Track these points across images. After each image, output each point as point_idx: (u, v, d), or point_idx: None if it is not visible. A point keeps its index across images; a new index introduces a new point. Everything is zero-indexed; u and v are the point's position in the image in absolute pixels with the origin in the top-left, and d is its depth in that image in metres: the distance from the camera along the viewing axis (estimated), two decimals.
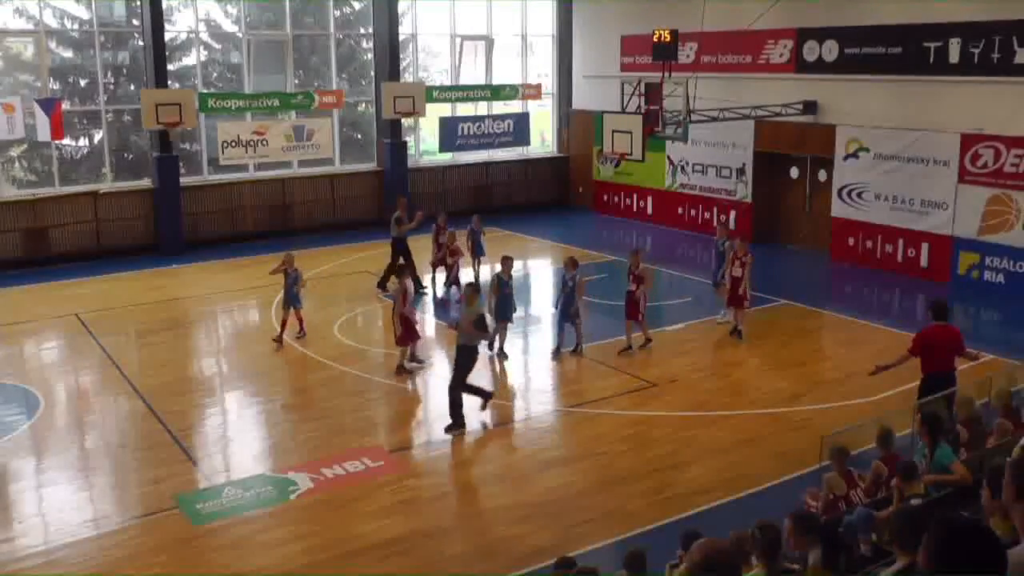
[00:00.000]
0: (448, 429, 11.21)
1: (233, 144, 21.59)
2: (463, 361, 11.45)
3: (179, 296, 17.86)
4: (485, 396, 11.70)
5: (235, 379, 13.57)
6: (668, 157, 23.53)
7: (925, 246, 18.17)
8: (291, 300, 14.52)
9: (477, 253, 18.48)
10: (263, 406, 12.39)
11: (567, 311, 13.89)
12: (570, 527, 8.87)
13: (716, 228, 16.73)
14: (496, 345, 14.05)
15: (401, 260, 16.83)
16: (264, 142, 21.97)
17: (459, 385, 11.38)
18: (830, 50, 19.64)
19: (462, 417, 11.33)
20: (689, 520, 8.67)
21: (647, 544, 7.09)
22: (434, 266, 18.02)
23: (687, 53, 21.40)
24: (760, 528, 5.38)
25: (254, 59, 22.73)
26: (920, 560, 2.75)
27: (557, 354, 14.02)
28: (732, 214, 22.24)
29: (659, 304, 15.60)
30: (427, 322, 16.72)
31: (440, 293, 17.83)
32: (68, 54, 21.57)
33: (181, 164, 21.69)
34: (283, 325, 14.55)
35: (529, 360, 14.56)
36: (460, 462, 10.70)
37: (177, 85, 21.99)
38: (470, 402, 11.52)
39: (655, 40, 18.45)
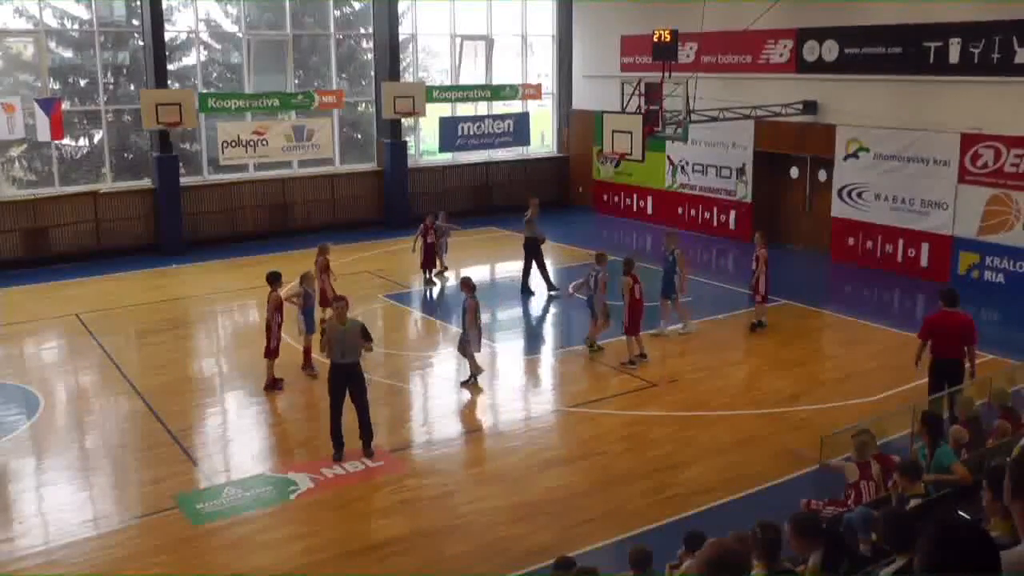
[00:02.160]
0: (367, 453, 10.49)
1: (233, 144, 21.59)
2: (340, 385, 10.38)
3: (179, 296, 17.86)
4: (338, 447, 10.45)
5: (235, 379, 13.55)
6: (668, 157, 23.53)
7: (925, 246, 18.17)
8: (309, 324, 12.97)
9: (440, 251, 18.55)
10: (263, 406, 12.38)
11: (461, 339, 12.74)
12: (570, 527, 8.87)
13: (664, 239, 15.31)
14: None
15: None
16: (264, 142, 21.98)
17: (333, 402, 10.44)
18: (830, 50, 19.64)
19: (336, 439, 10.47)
20: (689, 520, 8.68)
21: (647, 544, 7.08)
22: (423, 267, 18.00)
23: (687, 53, 21.40)
24: (760, 528, 5.39)
25: (254, 59, 22.73)
26: (915, 560, 2.75)
27: (468, 383, 12.72)
28: (732, 214, 22.26)
29: (659, 304, 15.58)
30: (420, 321, 16.76)
31: (428, 293, 17.83)
32: (68, 54, 21.57)
33: (181, 164, 21.69)
34: (307, 353, 13.13)
35: (529, 360, 14.56)
36: (460, 462, 10.70)
37: (177, 85, 21.99)
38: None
39: (655, 40, 18.45)
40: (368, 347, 10.63)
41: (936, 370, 10.41)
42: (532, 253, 17.47)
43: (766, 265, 14.64)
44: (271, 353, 12.62)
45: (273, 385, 12.64)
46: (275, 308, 12.57)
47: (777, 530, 5.42)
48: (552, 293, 17.36)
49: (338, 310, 10.51)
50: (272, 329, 12.54)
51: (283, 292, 12.95)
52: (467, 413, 12.35)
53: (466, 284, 12.86)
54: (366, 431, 10.57)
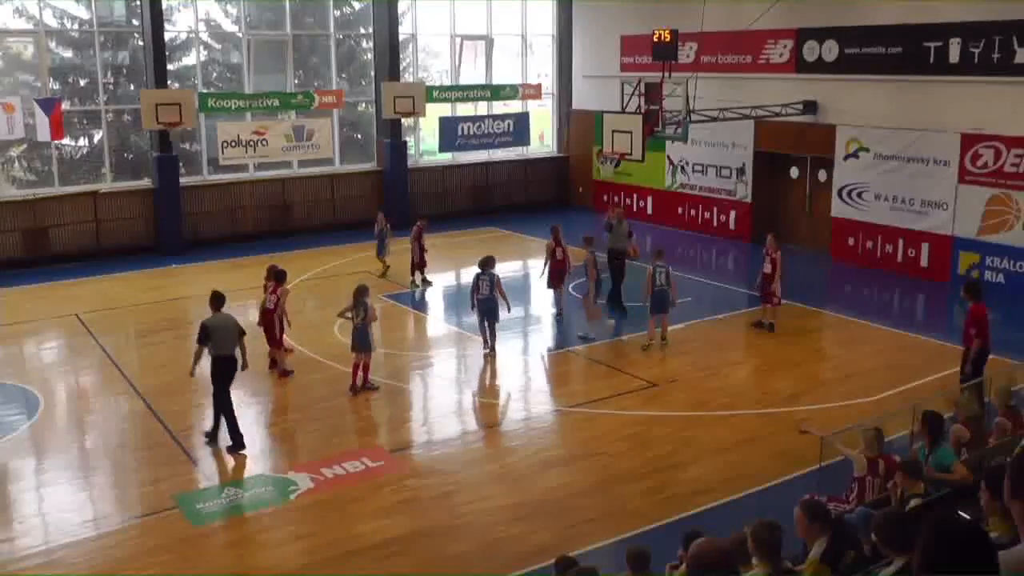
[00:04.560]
0: (231, 450, 10.68)
1: (233, 144, 21.59)
2: (222, 374, 10.72)
3: (179, 296, 17.85)
4: (235, 439, 10.72)
5: (235, 379, 13.51)
6: (668, 157, 23.53)
7: (925, 246, 18.17)
8: (361, 341, 12.37)
9: (380, 254, 18.63)
10: (263, 406, 12.39)
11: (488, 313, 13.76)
12: (570, 527, 8.87)
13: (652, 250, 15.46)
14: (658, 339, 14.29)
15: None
16: (264, 142, 21.97)
17: (224, 399, 10.77)
18: (830, 50, 19.64)
19: (240, 436, 10.69)
20: (689, 520, 8.67)
21: (647, 544, 7.08)
22: (413, 268, 17.98)
23: (687, 53, 21.39)
24: (761, 527, 5.38)
25: (254, 59, 22.73)
26: (913, 560, 2.76)
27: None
28: (732, 214, 22.26)
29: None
30: (420, 321, 16.76)
31: (419, 295, 17.84)
32: (68, 54, 21.57)
33: (181, 164, 21.70)
34: (364, 370, 12.52)
35: (529, 360, 14.56)
36: (460, 462, 10.69)
37: (177, 85, 22.00)
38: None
39: (655, 40, 18.46)
40: (242, 344, 10.80)
41: (983, 357, 11.33)
42: (618, 265, 16.27)
43: (780, 268, 14.55)
44: (279, 342, 13.15)
45: (286, 372, 13.16)
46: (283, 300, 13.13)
47: (778, 529, 5.42)
48: (621, 310, 16.05)
49: (213, 303, 10.92)
50: (280, 320, 13.06)
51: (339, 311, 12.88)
52: (467, 413, 12.36)
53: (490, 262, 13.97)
54: (216, 422, 10.82)
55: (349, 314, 12.54)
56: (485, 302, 13.66)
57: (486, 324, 13.82)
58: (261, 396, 12.68)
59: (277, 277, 13.38)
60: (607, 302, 16.05)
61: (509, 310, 14.09)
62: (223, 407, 10.74)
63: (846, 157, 19.36)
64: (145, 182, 21.75)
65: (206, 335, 10.61)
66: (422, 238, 17.88)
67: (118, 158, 22.06)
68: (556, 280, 15.54)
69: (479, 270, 13.85)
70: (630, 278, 16.25)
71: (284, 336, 13.41)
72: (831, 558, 5.64)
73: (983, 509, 4.55)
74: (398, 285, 18.24)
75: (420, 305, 17.64)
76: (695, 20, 19.48)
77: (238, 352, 10.79)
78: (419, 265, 17.96)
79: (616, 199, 25.39)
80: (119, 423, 11.85)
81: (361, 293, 12.47)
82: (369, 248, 21.30)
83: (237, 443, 10.67)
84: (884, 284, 18.24)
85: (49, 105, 19.16)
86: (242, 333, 10.86)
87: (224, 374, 10.71)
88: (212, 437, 10.85)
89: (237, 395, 12.88)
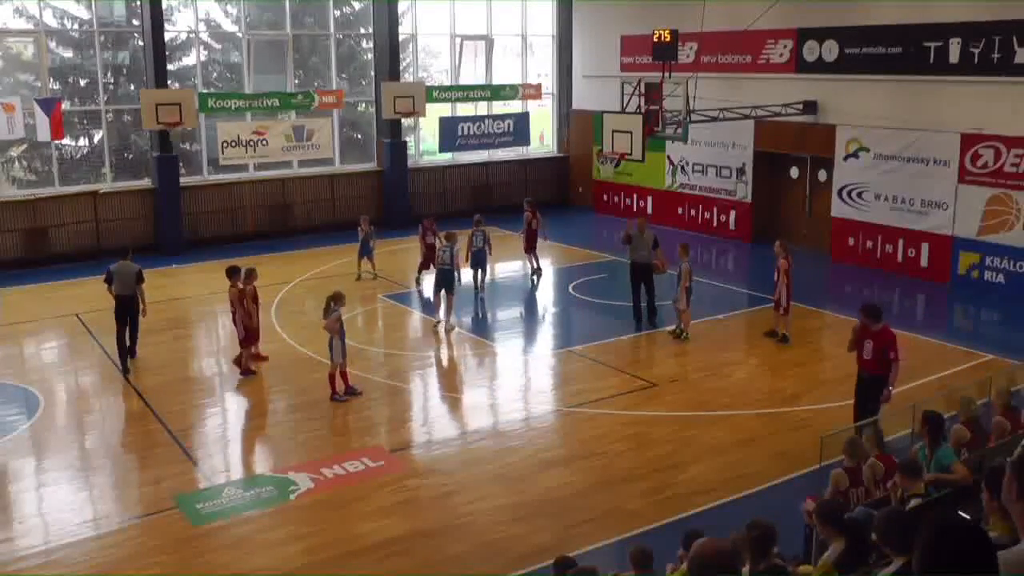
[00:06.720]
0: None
1: (233, 144, 21.59)
2: (121, 310, 13.48)
3: (179, 296, 17.84)
4: (123, 361, 13.44)
5: (235, 379, 13.52)
6: (668, 157, 23.53)
7: (925, 246, 18.16)
8: (332, 350, 12.18)
9: (364, 253, 18.58)
10: (263, 406, 12.40)
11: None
12: (570, 527, 8.87)
13: (678, 250, 14.78)
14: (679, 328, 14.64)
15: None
16: (264, 142, 21.98)
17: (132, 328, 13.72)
18: (830, 50, 19.64)
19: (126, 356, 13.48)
20: (689, 520, 8.68)
21: (646, 544, 7.09)
22: (421, 267, 18.01)
23: (687, 53, 21.39)
24: (750, 526, 5.40)
25: (254, 59, 22.73)
26: (913, 561, 2.75)
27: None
28: (732, 214, 22.26)
29: (660, 304, 15.59)
30: (419, 321, 16.78)
31: (425, 293, 17.89)
32: (68, 54, 21.57)
33: (181, 164, 21.70)
34: (343, 378, 12.27)
35: (529, 360, 14.56)
36: (460, 462, 10.69)
37: (177, 85, 22.00)
38: None
39: (655, 40, 18.45)
40: (140, 289, 13.35)
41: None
42: (641, 278, 15.33)
43: (788, 276, 14.39)
44: (249, 340, 13.32)
45: (247, 371, 13.24)
46: (237, 300, 13.24)
47: (768, 527, 5.43)
48: (651, 323, 15.35)
49: (122, 254, 13.52)
50: (238, 321, 13.18)
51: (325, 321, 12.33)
52: (467, 413, 12.36)
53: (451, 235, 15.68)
54: (132, 345, 13.52)
55: (337, 324, 12.25)
56: (447, 272, 15.09)
57: (442, 293, 15.20)
58: (261, 396, 12.68)
59: (246, 275, 13.47)
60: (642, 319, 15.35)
61: (460, 282, 15.60)
62: (132, 333, 13.51)
63: (846, 157, 19.35)
64: (145, 182, 21.76)
65: (110, 277, 13.26)
66: (428, 237, 17.86)
67: (118, 158, 22.06)
68: (531, 244, 18.27)
69: (445, 242, 15.55)
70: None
71: (247, 334, 13.25)
72: (846, 565, 5.58)
73: (983, 509, 4.54)
74: (398, 285, 18.25)
75: (420, 305, 17.64)
76: (695, 20, 19.47)
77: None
78: (425, 264, 17.95)
79: (616, 199, 25.41)
80: (119, 423, 11.87)
81: (336, 300, 12.35)
82: None
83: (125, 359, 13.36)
84: (884, 284, 18.22)
85: (49, 105, 19.15)
86: (140, 280, 13.28)
87: (122, 311, 13.26)
88: (130, 353, 13.44)
89: (238, 396, 12.98)
